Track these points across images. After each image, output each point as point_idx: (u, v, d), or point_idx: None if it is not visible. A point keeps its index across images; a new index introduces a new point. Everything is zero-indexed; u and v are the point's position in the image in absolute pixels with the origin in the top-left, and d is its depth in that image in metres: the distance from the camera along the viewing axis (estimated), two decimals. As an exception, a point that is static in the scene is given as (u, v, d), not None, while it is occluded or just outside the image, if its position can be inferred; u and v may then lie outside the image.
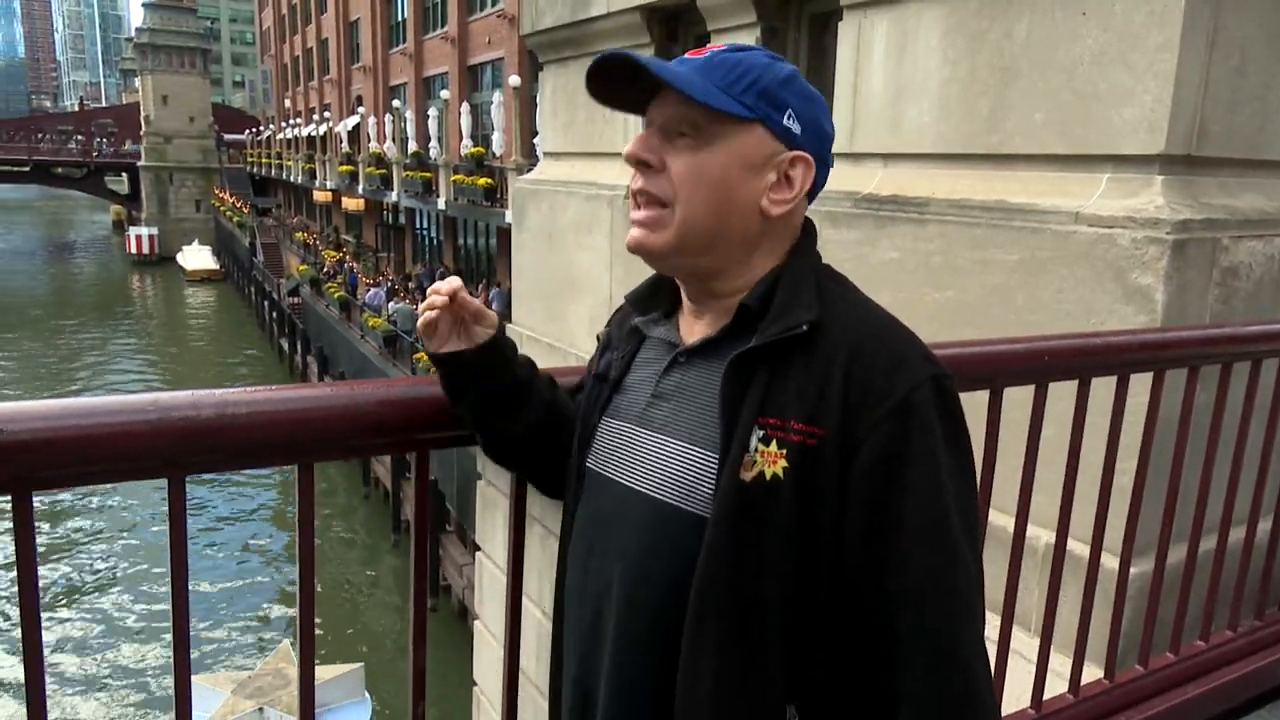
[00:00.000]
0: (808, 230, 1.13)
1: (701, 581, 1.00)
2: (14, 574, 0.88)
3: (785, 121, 1.04)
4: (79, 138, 68.30)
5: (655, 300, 1.18)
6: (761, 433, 0.98)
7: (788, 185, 1.06)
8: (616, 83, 1.07)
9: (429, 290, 1.19)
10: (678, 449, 1.06)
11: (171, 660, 0.99)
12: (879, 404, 0.96)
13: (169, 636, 0.98)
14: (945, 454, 0.99)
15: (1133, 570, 2.17)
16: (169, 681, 1.00)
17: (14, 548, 0.91)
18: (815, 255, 1.12)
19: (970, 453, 1.05)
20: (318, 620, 15.32)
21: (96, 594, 17.09)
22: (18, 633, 0.90)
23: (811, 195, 1.10)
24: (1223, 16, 2.42)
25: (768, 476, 0.97)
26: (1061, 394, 1.90)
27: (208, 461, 1.02)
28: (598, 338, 1.27)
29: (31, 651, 0.91)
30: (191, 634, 1.02)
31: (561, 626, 1.22)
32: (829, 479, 0.97)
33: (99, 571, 18.08)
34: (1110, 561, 2.15)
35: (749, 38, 3.78)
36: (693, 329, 1.13)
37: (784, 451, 0.97)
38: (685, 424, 1.06)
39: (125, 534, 19.60)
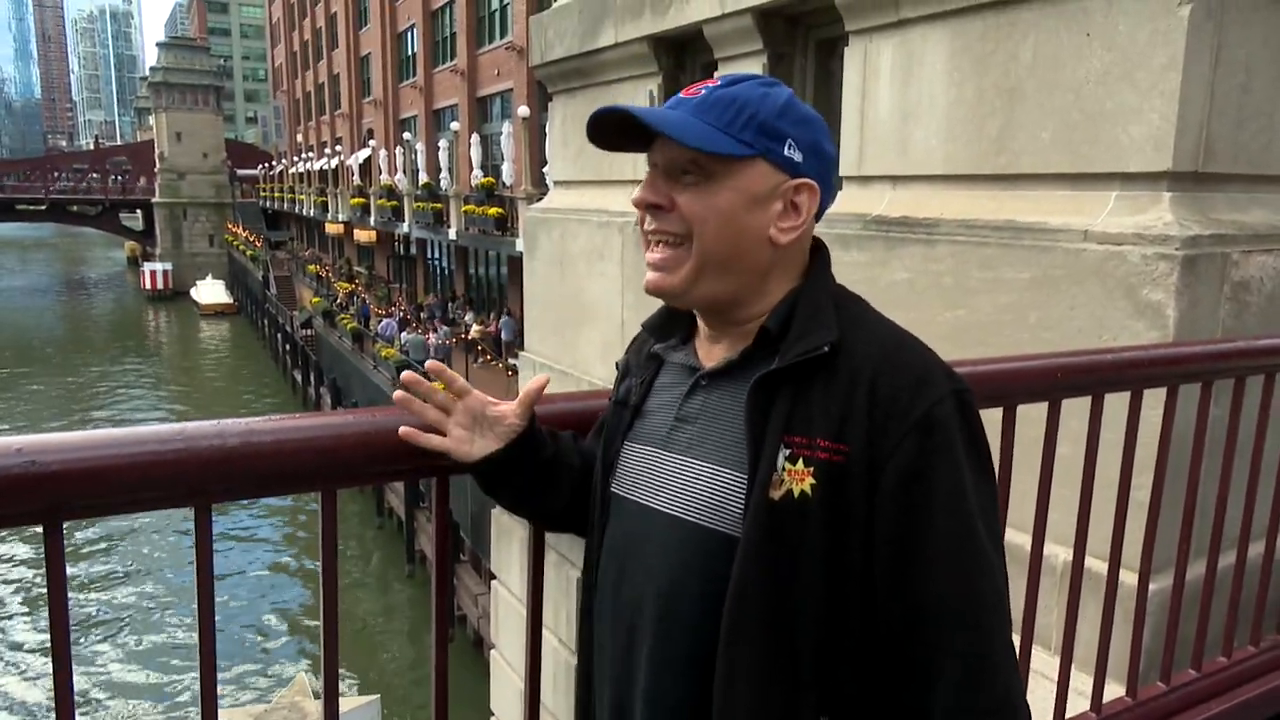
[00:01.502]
0: (819, 250, 1.15)
1: (735, 599, 1.01)
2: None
3: (786, 152, 1.06)
4: (94, 175, 69.30)
5: (672, 326, 1.20)
6: (788, 451, 1.00)
7: (794, 213, 1.08)
8: (616, 131, 1.09)
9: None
10: (704, 470, 1.07)
11: (199, 685, 1.01)
12: (904, 419, 0.98)
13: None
14: (969, 466, 1.01)
15: (1152, 586, 2.16)
16: (192, 710, 1.01)
17: (46, 577, 0.93)
18: (829, 275, 1.13)
19: (991, 463, 1.06)
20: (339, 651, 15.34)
21: (103, 627, 17.12)
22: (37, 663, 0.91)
23: (818, 216, 1.12)
24: (1226, 34, 2.44)
25: (796, 494, 0.99)
26: (1075, 411, 1.90)
27: (233, 489, 1.04)
28: (616, 365, 1.28)
29: (62, 676, 0.92)
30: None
31: (587, 655, 1.23)
32: (857, 495, 0.99)
33: (105, 604, 18.12)
34: (1129, 578, 2.13)
35: (756, 65, 3.82)
36: (710, 353, 1.15)
37: (811, 469, 0.99)
38: (711, 445, 1.08)
39: (130, 566, 19.64)
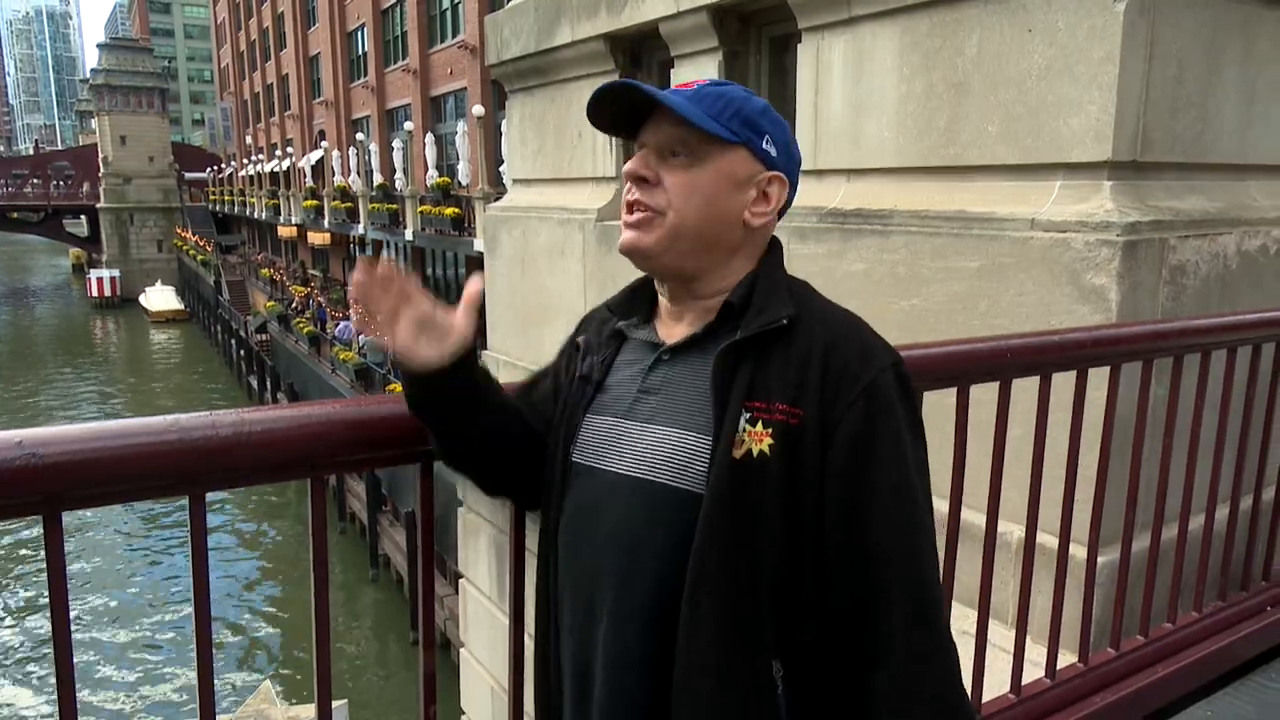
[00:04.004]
0: (774, 243, 1.29)
1: (700, 550, 1.10)
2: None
3: (764, 145, 1.20)
4: (35, 181, 67.41)
5: (634, 306, 1.30)
6: (748, 415, 1.11)
7: (765, 200, 1.21)
8: (614, 109, 1.21)
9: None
10: (668, 434, 1.17)
11: (195, 675, 1.04)
12: (852, 387, 1.11)
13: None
14: (906, 429, 1.15)
15: (1100, 559, 2.26)
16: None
17: (46, 567, 0.95)
18: (782, 262, 1.27)
19: (921, 424, 1.20)
20: (299, 656, 15.02)
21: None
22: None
23: (781, 212, 1.25)
24: (1159, 29, 2.56)
25: (755, 453, 1.10)
26: (1025, 393, 1.99)
27: (226, 478, 1.08)
28: (575, 343, 1.34)
29: (64, 660, 0.95)
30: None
31: (545, 631, 1.28)
32: (809, 454, 1.11)
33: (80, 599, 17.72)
34: (1079, 552, 2.24)
35: (711, 62, 3.89)
36: (671, 331, 1.25)
37: (769, 430, 1.10)
38: (675, 412, 1.17)
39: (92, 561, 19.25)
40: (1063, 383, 2.05)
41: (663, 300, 1.27)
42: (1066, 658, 2.27)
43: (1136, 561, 2.33)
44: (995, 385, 1.94)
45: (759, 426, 1.10)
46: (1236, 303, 2.77)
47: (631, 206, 1.21)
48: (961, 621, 2.14)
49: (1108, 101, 2.49)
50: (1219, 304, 2.73)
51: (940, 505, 2.43)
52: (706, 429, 1.13)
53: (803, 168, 3.64)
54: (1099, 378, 2.13)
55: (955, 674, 1.17)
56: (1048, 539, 2.19)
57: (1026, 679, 2.17)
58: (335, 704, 11.65)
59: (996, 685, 2.13)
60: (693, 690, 1.10)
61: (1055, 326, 2.50)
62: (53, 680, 0.95)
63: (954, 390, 1.87)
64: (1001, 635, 2.26)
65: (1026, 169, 2.71)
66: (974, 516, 2.09)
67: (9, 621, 17.48)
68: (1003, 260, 2.67)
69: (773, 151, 1.21)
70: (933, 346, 1.89)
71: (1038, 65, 2.64)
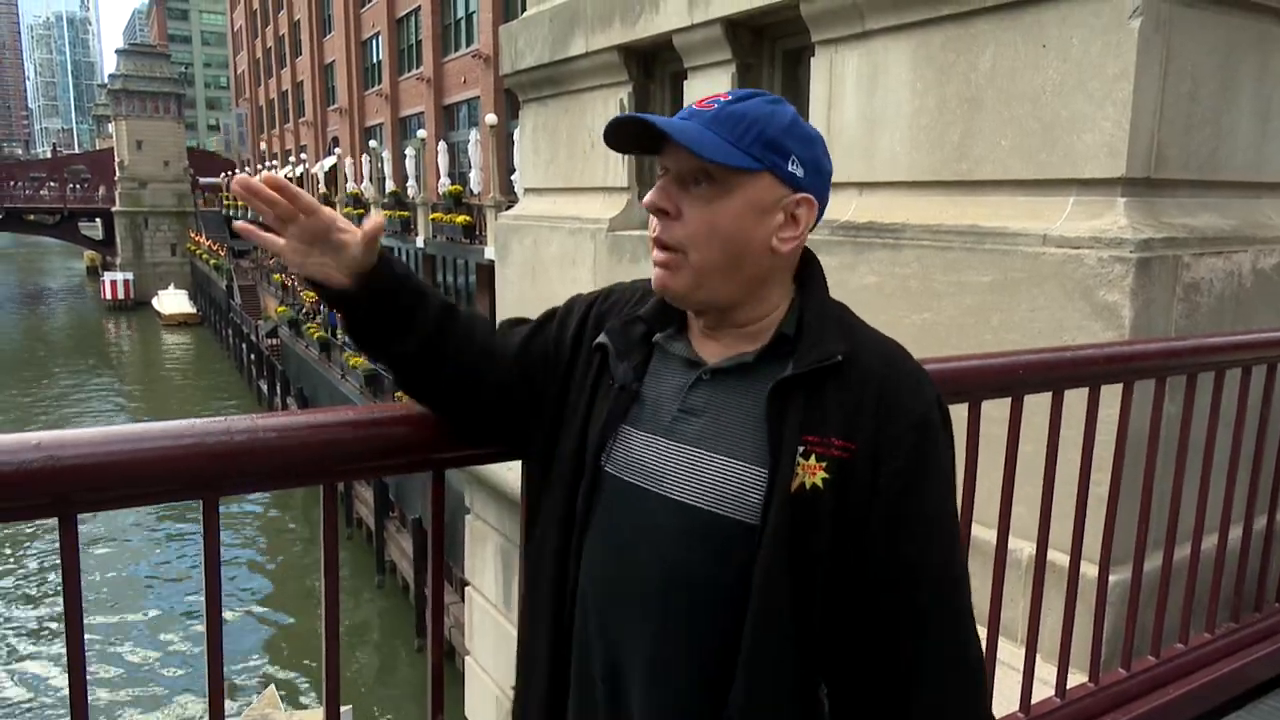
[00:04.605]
0: (810, 260, 1.24)
1: (763, 582, 1.11)
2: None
3: (790, 168, 1.14)
4: (52, 184, 67.93)
5: (669, 316, 1.25)
6: (802, 448, 1.11)
7: (794, 224, 1.16)
8: (630, 135, 1.17)
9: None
10: (719, 462, 1.15)
11: (206, 676, 1.04)
12: (905, 420, 1.13)
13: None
14: (947, 460, 1.19)
15: (1112, 578, 2.25)
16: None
17: (61, 568, 0.96)
18: (825, 286, 1.24)
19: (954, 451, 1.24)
20: (303, 661, 15.01)
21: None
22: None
23: (817, 223, 1.21)
24: (1174, 46, 2.55)
25: (808, 486, 1.11)
26: (1037, 409, 1.98)
27: (240, 482, 1.08)
28: (579, 326, 1.30)
29: (75, 664, 0.95)
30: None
31: (556, 625, 1.25)
32: (860, 485, 1.12)
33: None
34: (1090, 570, 2.22)
35: (724, 74, 3.90)
36: (705, 347, 1.22)
37: (823, 464, 1.11)
38: (724, 439, 1.15)
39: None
40: (1075, 399, 2.04)
41: (698, 319, 1.23)
42: (1077, 677, 2.25)
43: (1148, 581, 2.32)
44: (1007, 401, 1.94)
45: (812, 460, 1.11)
46: (1251, 321, 2.76)
47: (656, 244, 1.18)
48: (970, 638, 2.13)
49: (1122, 118, 2.49)
50: (1233, 322, 2.72)
51: (950, 521, 2.42)
52: (759, 459, 1.13)
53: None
54: (1111, 395, 2.12)
55: (988, 697, 1.22)
56: (1059, 556, 2.18)
57: (1036, 698, 2.15)
58: (341, 709, 11.67)
59: (1006, 704, 2.12)
60: (750, 715, 1.12)
61: (1068, 343, 2.49)
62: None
63: (965, 405, 1.86)
64: (1011, 653, 2.25)
65: (1040, 184, 2.70)
66: (984, 533, 2.08)
67: (13, 624, 17.55)
68: (1015, 275, 2.66)
69: (799, 172, 1.15)
70: (945, 361, 1.88)
71: (1052, 81, 2.64)
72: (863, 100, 3.26)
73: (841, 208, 3.29)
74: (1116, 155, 2.50)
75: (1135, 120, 2.48)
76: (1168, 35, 2.53)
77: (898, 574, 1.14)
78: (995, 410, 1.92)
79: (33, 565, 20.23)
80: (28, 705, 14.65)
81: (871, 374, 1.14)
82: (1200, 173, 2.74)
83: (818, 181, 1.18)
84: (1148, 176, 2.57)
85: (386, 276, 1.19)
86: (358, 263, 1.16)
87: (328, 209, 1.16)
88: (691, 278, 1.15)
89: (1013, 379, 1.92)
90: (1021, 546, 2.38)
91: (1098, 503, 2.13)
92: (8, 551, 21.08)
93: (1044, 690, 2.19)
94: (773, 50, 3.95)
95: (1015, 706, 2.13)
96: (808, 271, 1.23)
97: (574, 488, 1.23)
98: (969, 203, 2.89)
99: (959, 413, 1.85)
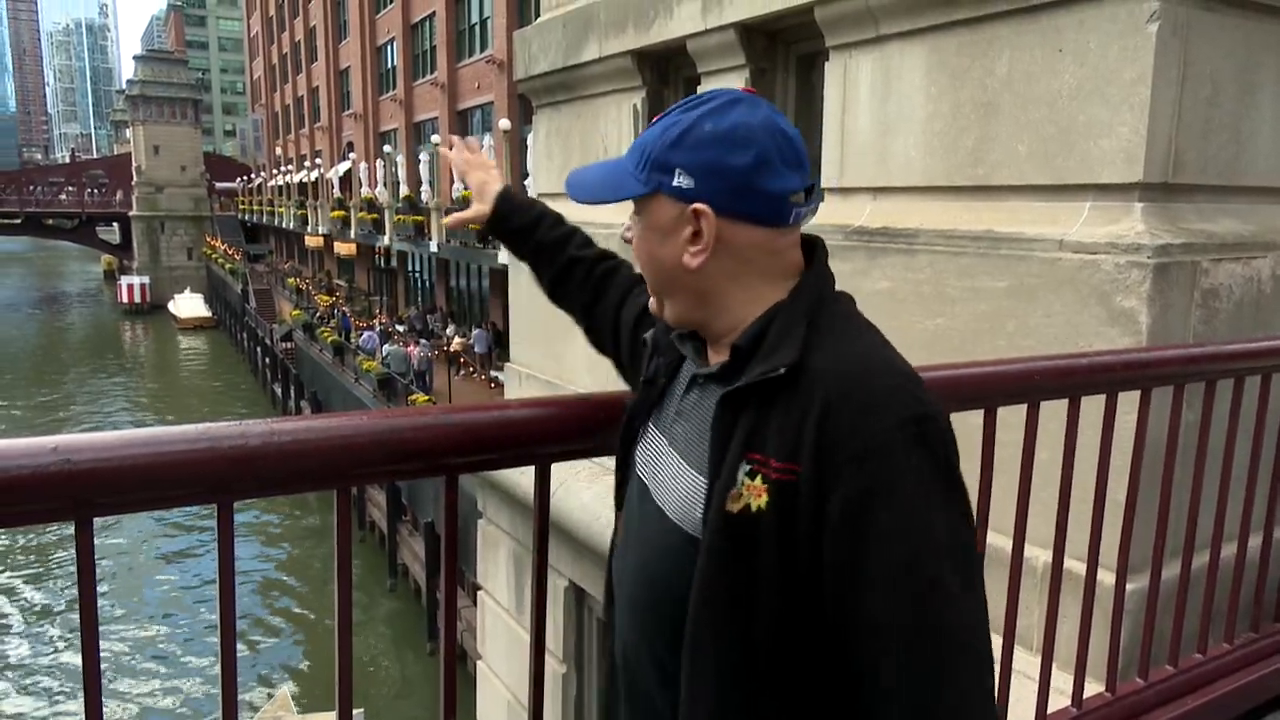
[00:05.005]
0: (815, 259, 1.15)
1: (696, 604, 1.07)
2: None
3: (675, 182, 1.09)
4: (70, 189, 68.62)
5: None
6: (748, 467, 1.03)
7: (699, 237, 1.10)
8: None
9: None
10: (681, 470, 1.14)
11: (219, 678, 1.04)
12: (846, 447, 0.98)
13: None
14: (918, 495, 0.98)
15: (1129, 586, 2.23)
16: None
17: (76, 571, 0.96)
18: (817, 289, 1.13)
19: (957, 489, 1.03)
20: (316, 665, 15.08)
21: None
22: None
23: (776, 219, 1.10)
24: (1192, 50, 2.53)
25: (753, 509, 1.02)
26: (1053, 415, 1.97)
27: (255, 487, 1.09)
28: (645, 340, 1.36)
29: (91, 663, 0.96)
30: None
31: (606, 597, 1.33)
32: (806, 517, 1.00)
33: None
34: (1107, 578, 2.20)
35: (738, 79, 3.90)
36: (711, 353, 1.21)
37: (766, 486, 1.02)
38: (690, 446, 1.14)
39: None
40: (1092, 406, 2.03)
41: None
42: (1093, 687, 2.23)
43: (1166, 589, 2.29)
44: (1023, 407, 1.92)
45: (758, 481, 1.02)
46: (1271, 327, 2.73)
47: None
48: (986, 646, 2.11)
49: (1139, 123, 2.47)
50: (1253, 328, 2.69)
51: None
52: (706, 472, 1.09)
53: (830, 186, 3.62)
54: (1129, 402, 2.10)
55: None
56: (1075, 564, 2.16)
57: (1052, 708, 2.13)
58: (353, 712, 11.70)
59: (1021, 714, 2.10)
60: None
61: (1084, 349, 2.47)
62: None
63: (980, 412, 1.85)
64: (1027, 662, 2.23)
65: (1056, 189, 2.69)
66: (999, 540, 2.06)
67: (21, 626, 17.68)
68: (1031, 281, 2.65)
69: (686, 184, 1.08)
70: (959, 367, 1.87)
71: (1068, 85, 2.63)
72: (877, 105, 3.25)
73: (855, 212, 3.28)
74: (1134, 160, 2.48)
75: (1153, 125, 2.46)
76: (1186, 39, 2.51)
77: (846, 632, 1.00)
78: (1011, 416, 1.90)
79: (53, 569, 20.38)
80: (36, 709, 14.75)
81: (819, 389, 1.01)
82: (1219, 178, 2.72)
83: (720, 184, 1.08)
84: (1165, 181, 2.55)
85: (505, 222, 1.65)
86: (483, 210, 1.66)
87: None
88: (654, 302, 1.20)
89: (1029, 385, 1.90)
90: (1037, 554, 2.36)
91: (1115, 510, 2.11)
92: (22, 558, 21.24)
93: (1060, 700, 2.17)
94: (787, 55, 3.95)
95: (1031, 717, 2.11)
96: (805, 275, 1.14)
97: (621, 470, 1.27)
98: (984, 208, 2.87)
99: (973, 419, 1.84)
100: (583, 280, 1.58)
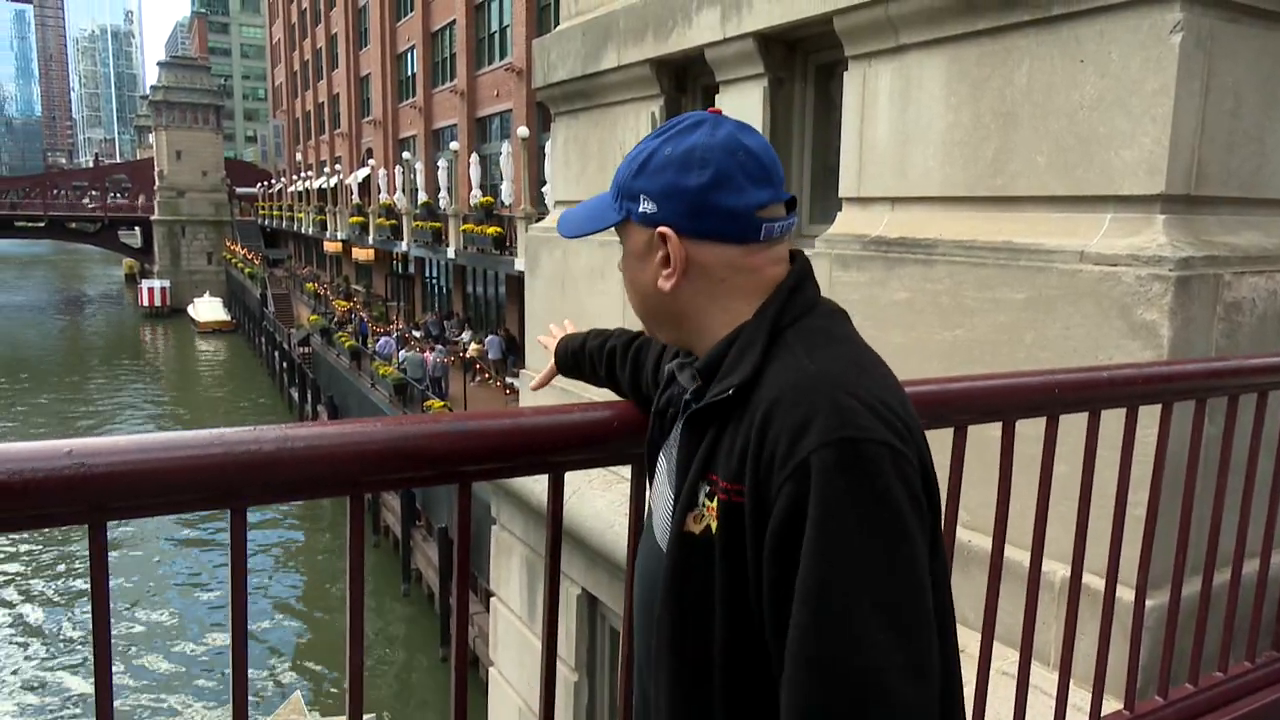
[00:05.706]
0: (793, 276, 1.12)
1: (659, 618, 1.12)
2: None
3: (641, 208, 1.11)
4: (93, 193, 69.45)
5: None
6: (707, 488, 1.06)
7: (667, 261, 1.11)
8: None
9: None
10: (665, 494, 1.19)
11: (230, 681, 1.04)
12: (781, 467, 0.96)
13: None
14: (838, 521, 0.93)
15: (1149, 602, 2.20)
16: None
17: (90, 575, 0.97)
18: (783, 304, 1.09)
19: (898, 519, 0.95)
20: (329, 669, 15.12)
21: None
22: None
23: (744, 236, 1.08)
24: (1216, 62, 2.51)
25: (711, 529, 1.04)
26: (1073, 428, 1.95)
27: (268, 493, 1.09)
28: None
29: (103, 668, 0.96)
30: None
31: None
32: (751, 536, 1.00)
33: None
34: (1126, 594, 2.17)
35: (756, 88, 3.89)
36: None
37: (715, 506, 1.04)
38: (676, 468, 1.17)
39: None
40: (1112, 419, 2.00)
41: None
42: (1111, 704, 2.20)
43: (1187, 606, 2.26)
44: (1042, 420, 1.90)
45: (713, 501, 1.04)
46: (1294, 341, 2.69)
47: None
48: (1001, 662, 2.09)
49: (1161, 134, 2.45)
50: (1276, 342, 2.66)
51: (983, 542, 2.37)
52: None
53: (848, 195, 3.61)
54: (1150, 416, 2.07)
55: None
56: (1093, 580, 2.14)
57: (1069, 724, 2.11)
58: (364, 717, 11.73)
59: (1037, 730, 2.07)
60: None
61: (1104, 362, 2.44)
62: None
63: (999, 424, 1.83)
64: (1043, 678, 2.20)
65: (1076, 201, 2.67)
66: (1017, 554, 2.04)
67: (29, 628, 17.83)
68: (1050, 293, 2.62)
69: (649, 208, 1.09)
70: (978, 379, 1.86)
71: (1089, 96, 2.61)
72: (895, 115, 3.24)
73: (873, 223, 3.26)
74: (1156, 172, 2.46)
75: (1175, 137, 2.44)
76: (1209, 50, 2.49)
77: (776, 650, 0.98)
78: (1029, 428, 1.88)
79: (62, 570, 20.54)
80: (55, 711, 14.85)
81: (761, 408, 1.00)
82: (1243, 190, 2.69)
83: (680, 206, 1.08)
84: (1188, 194, 2.52)
85: (566, 363, 1.74)
86: (552, 368, 1.79)
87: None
88: (646, 330, 1.25)
89: (1048, 398, 1.88)
90: (1055, 569, 2.33)
91: (1135, 525, 2.09)
92: (34, 561, 21.41)
93: (1077, 717, 2.14)
94: (805, 64, 3.94)
95: (1048, 733, 2.09)
96: (774, 291, 1.10)
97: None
98: (1003, 218, 2.85)
99: (992, 431, 1.82)
100: (623, 361, 1.56)
